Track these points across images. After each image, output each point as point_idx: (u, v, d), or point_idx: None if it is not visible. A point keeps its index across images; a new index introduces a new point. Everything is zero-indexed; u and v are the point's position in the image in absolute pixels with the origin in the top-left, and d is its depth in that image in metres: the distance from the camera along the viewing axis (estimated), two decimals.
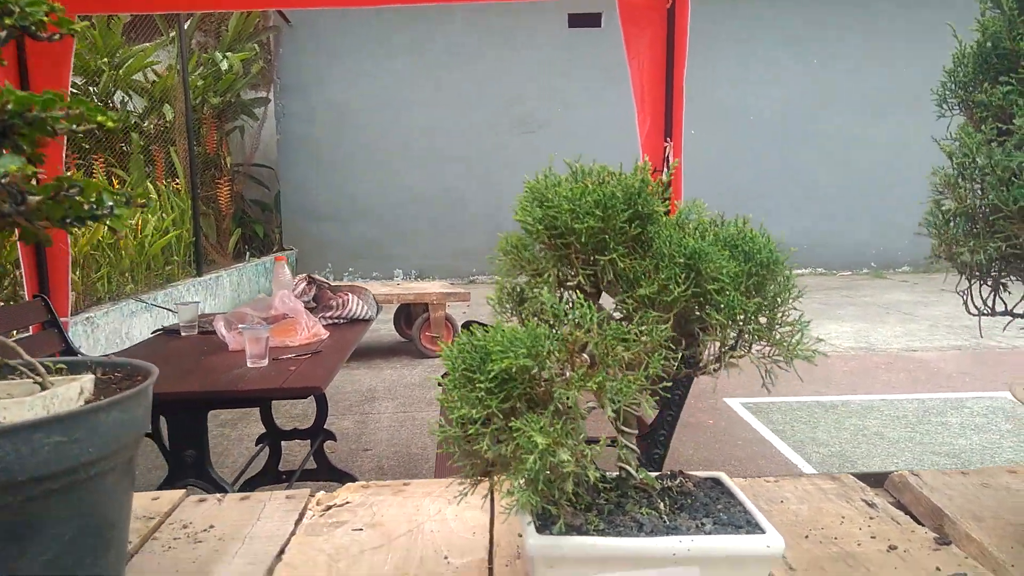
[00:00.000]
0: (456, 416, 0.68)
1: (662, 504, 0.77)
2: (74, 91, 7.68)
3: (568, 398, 0.64)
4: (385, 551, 0.91)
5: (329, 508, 1.04)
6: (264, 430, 3.26)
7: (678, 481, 0.81)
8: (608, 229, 0.70)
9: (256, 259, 9.90)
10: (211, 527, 1.00)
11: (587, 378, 0.65)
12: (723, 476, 0.85)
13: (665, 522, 0.74)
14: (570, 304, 0.69)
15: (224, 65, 9.65)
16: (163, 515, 1.03)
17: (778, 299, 0.73)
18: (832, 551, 0.89)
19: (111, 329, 5.65)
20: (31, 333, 3.40)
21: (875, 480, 1.10)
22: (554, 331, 0.67)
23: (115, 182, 7.41)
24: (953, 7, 6.24)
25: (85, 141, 7.62)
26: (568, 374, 0.65)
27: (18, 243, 3.95)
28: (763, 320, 0.73)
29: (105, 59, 7.93)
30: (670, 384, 0.79)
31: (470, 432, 0.66)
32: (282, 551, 0.92)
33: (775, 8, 10.41)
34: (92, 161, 7.48)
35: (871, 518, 0.98)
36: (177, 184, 8.39)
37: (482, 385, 0.65)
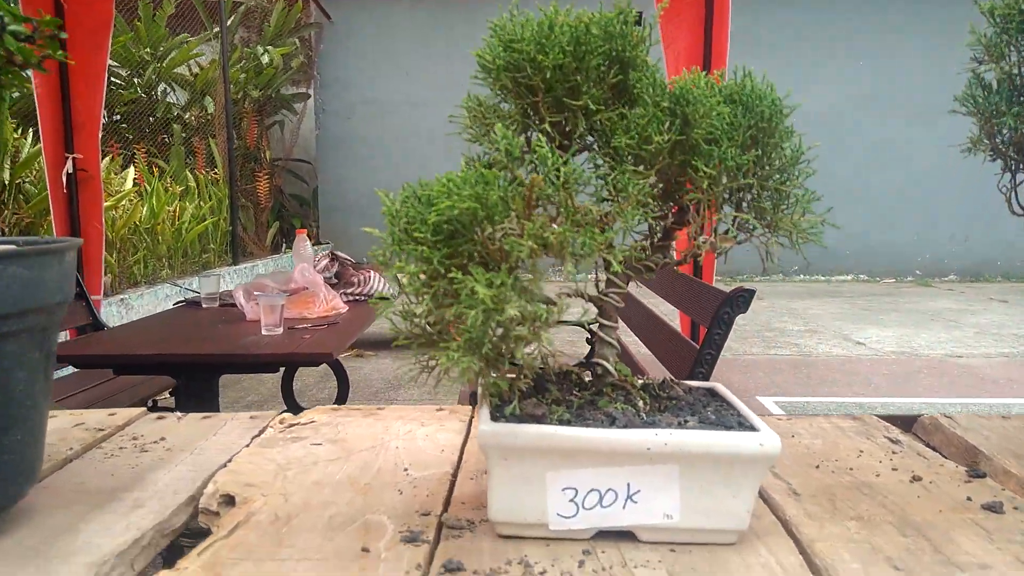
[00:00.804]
0: (392, 273, 0.59)
1: (641, 402, 0.67)
2: (118, 82, 7.84)
3: (521, 250, 0.54)
4: (341, 463, 0.82)
5: (292, 426, 0.96)
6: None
7: (664, 381, 0.70)
8: (581, 69, 0.60)
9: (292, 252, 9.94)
10: (161, 439, 0.92)
11: (544, 228, 0.55)
12: (719, 386, 0.74)
13: (642, 418, 0.64)
14: (527, 147, 0.59)
15: (265, 59, 9.76)
16: (115, 428, 0.96)
17: (779, 165, 0.62)
18: (845, 480, 0.78)
19: (145, 311, 5.70)
20: None
21: (902, 424, 0.97)
22: (507, 174, 0.57)
23: (155, 170, 7.51)
24: None
25: (129, 131, 7.76)
26: (524, 224, 0.56)
27: (54, 222, 4.00)
28: (760, 185, 0.62)
29: (149, 50, 8.07)
30: (650, 265, 0.69)
31: (408, 290, 0.57)
32: (230, 461, 0.84)
33: (820, 7, 10.17)
34: (134, 150, 7.61)
35: (894, 453, 0.86)
36: (216, 174, 8.49)
37: (422, 235, 0.56)
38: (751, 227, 0.66)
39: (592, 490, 0.62)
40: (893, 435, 0.92)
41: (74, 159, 3.93)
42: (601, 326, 0.70)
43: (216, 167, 8.59)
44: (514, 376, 0.62)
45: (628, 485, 0.62)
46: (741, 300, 2.42)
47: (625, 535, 0.64)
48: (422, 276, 0.56)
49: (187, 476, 0.80)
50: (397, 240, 0.57)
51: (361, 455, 0.85)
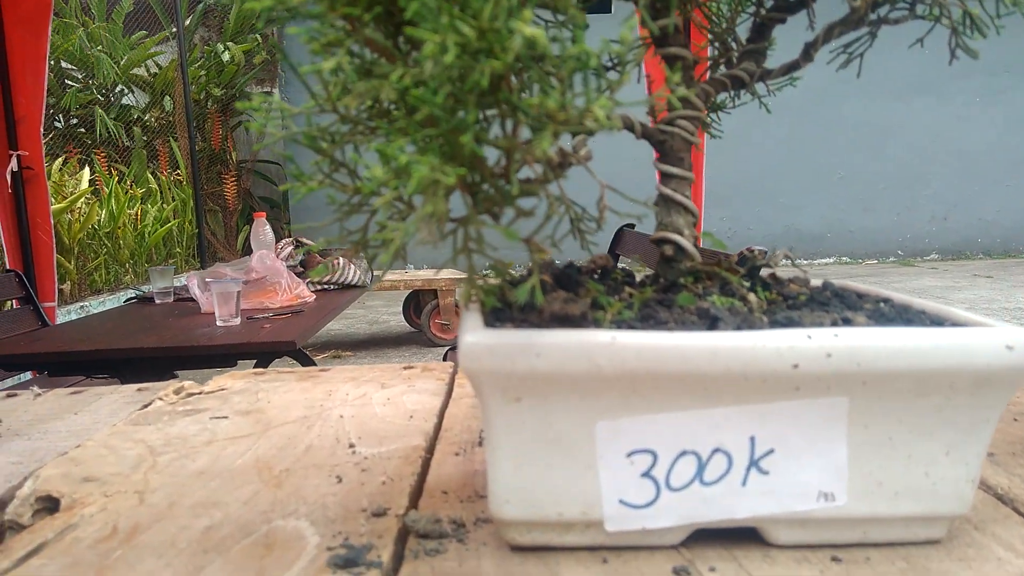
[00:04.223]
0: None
1: (752, 296, 0.38)
2: (74, 84, 7.41)
3: None
4: (250, 441, 0.52)
5: (192, 396, 0.65)
6: None
7: (783, 260, 0.41)
8: None
9: None
10: None
11: None
12: (852, 283, 0.45)
13: (764, 319, 0.35)
14: None
15: (226, 56, 9.36)
16: None
17: None
18: None
19: None
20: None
21: None
22: None
23: (114, 173, 7.12)
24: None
25: (87, 136, 7.34)
26: None
27: (0, 225, 3.65)
28: None
29: (102, 48, 7.65)
30: (740, 76, 0.41)
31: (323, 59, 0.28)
32: (79, 447, 0.53)
33: None
34: (93, 155, 7.20)
35: None
36: (179, 175, 8.09)
37: None
38: None
39: (684, 453, 0.33)
40: None
41: (19, 156, 3.57)
42: (665, 176, 0.41)
43: (180, 169, 8.19)
44: (533, 247, 0.32)
45: (751, 440, 0.33)
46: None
47: (746, 535, 0.35)
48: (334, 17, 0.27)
49: (5, 471, 0.49)
50: None
51: (283, 430, 0.55)
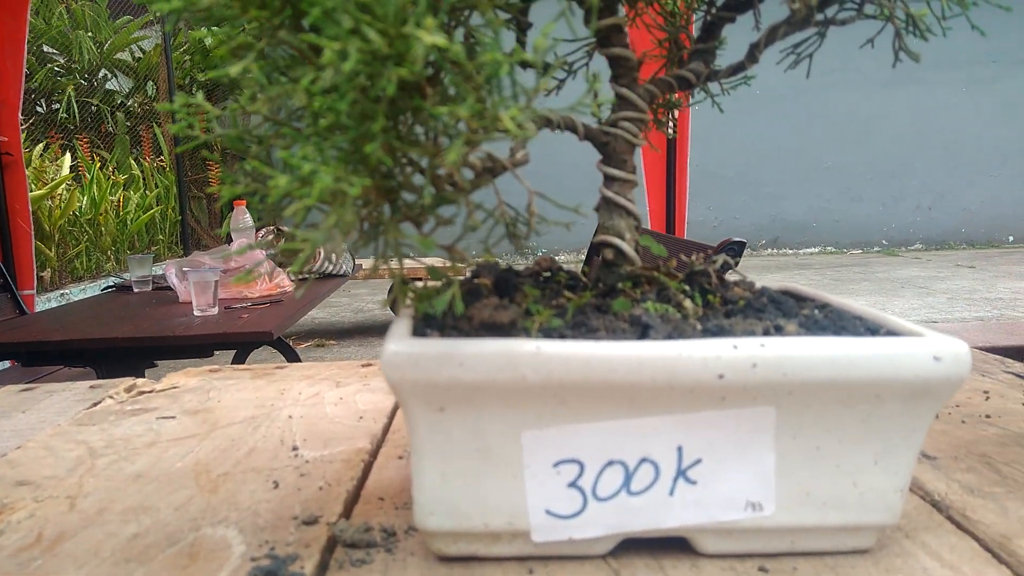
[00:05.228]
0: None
1: (688, 302, 0.37)
2: (57, 69, 7.29)
3: None
4: (193, 442, 0.51)
5: (142, 394, 0.64)
6: None
7: (720, 264, 0.41)
8: None
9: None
10: None
11: None
12: (801, 287, 0.45)
13: (696, 326, 0.34)
14: None
15: (210, 41, 9.24)
16: None
17: None
18: (990, 433, 0.49)
19: None
20: None
21: (1015, 355, 0.70)
22: None
23: (96, 159, 7.03)
24: None
25: (70, 122, 7.24)
26: None
27: None
28: None
29: (89, 33, 7.53)
30: (686, 77, 0.40)
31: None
32: (20, 448, 0.52)
33: None
34: (75, 141, 7.10)
35: None
36: (162, 161, 8.00)
37: None
38: None
39: (611, 463, 0.33)
40: (1017, 370, 0.64)
41: None
42: (607, 179, 0.40)
43: (163, 155, 8.10)
44: (452, 254, 0.32)
45: (679, 450, 0.33)
46: (732, 253, 2.15)
47: (674, 544, 0.35)
48: (226, 9, 0.26)
49: None
50: None
51: (229, 431, 0.54)
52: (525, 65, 0.36)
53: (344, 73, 0.23)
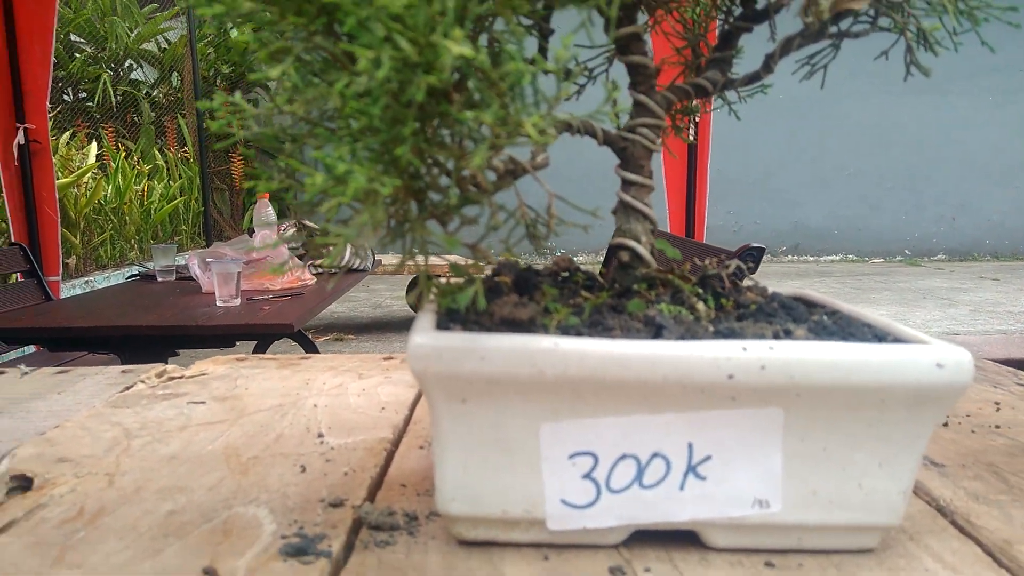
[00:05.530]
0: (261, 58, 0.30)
1: (701, 304, 0.38)
2: (86, 57, 7.40)
3: None
4: (223, 427, 0.54)
5: (173, 380, 0.67)
6: None
7: (733, 269, 0.42)
8: None
9: None
10: None
11: None
12: (813, 292, 0.46)
13: (708, 328, 0.36)
14: None
15: (235, 33, 9.34)
16: None
17: None
18: (999, 443, 0.50)
19: None
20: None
21: None
22: None
23: (121, 148, 7.13)
24: None
25: (96, 111, 7.35)
26: None
27: (6, 198, 3.66)
28: None
29: (117, 20, 7.63)
30: (703, 85, 0.41)
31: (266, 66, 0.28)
32: (57, 427, 0.55)
33: None
34: (101, 130, 7.21)
35: None
36: (186, 152, 8.10)
37: None
38: None
39: (624, 457, 0.34)
40: None
41: (26, 129, 3.58)
42: (625, 183, 0.42)
43: (187, 146, 8.20)
44: (476, 253, 0.33)
45: (689, 447, 0.34)
46: (750, 258, 2.15)
47: (684, 538, 0.36)
48: (265, 12, 0.28)
49: None
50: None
51: (257, 417, 0.56)
52: (547, 72, 0.37)
53: (378, 80, 0.24)
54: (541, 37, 0.43)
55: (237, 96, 0.34)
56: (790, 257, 10.92)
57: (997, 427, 0.54)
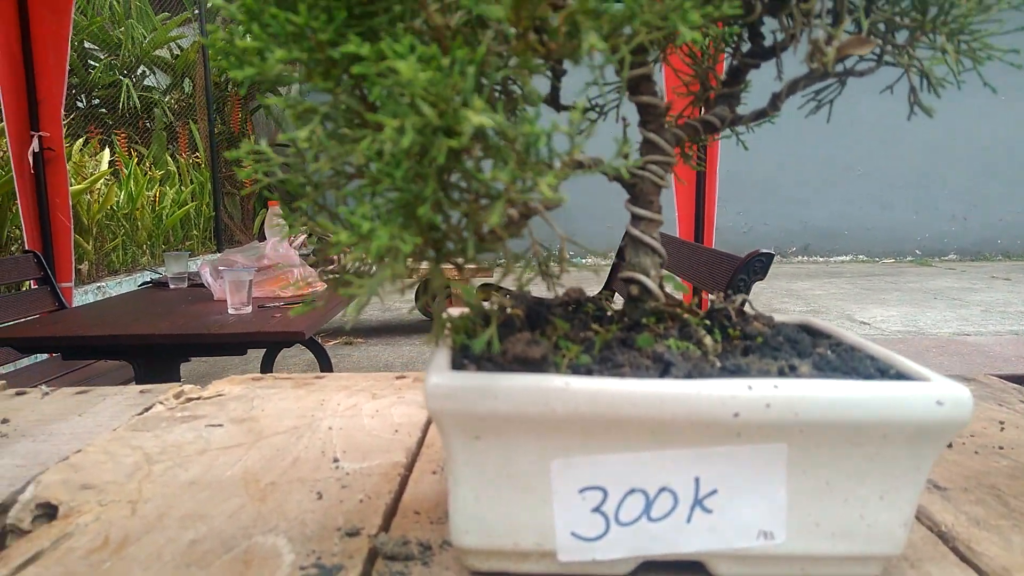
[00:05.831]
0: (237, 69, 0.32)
1: (709, 338, 0.40)
2: (95, 63, 7.47)
3: (491, 10, 0.27)
4: (241, 451, 0.55)
5: (190, 401, 0.68)
6: None
7: (740, 303, 0.43)
8: None
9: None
10: (4, 421, 0.64)
11: None
12: (816, 320, 0.47)
13: (715, 363, 0.37)
14: None
15: (247, 39, 9.37)
16: None
17: None
18: (1003, 465, 0.51)
19: None
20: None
21: None
22: None
23: (133, 154, 7.19)
24: None
25: (109, 117, 7.41)
26: None
27: (20, 206, 3.71)
28: None
29: (132, 25, 7.69)
30: (712, 121, 0.42)
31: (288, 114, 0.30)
32: (80, 452, 0.56)
33: None
34: (114, 136, 7.27)
35: None
36: (197, 157, 8.16)
37: None
38: (894, 25, 0.39)
39: (633, 491, 0.35)
40: None
41: (40, 137, 3.62)
42: (634, 218, 0.43)
43: (198, 151, 8.26)
44: (490, 289, 0.35)
45: (696, 481, 0.35)
46: (759, 265, 2.15)
47: (690, 568, 0.37)
48: (293, 73, 0.29)
49: (10, 474, 0.52)
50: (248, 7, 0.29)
51: (273, 440, 0.57)
52: (560, 110, 0.38)
53: (402, 147, 0.26)
54: (554, 77, 0.44)
55: (263, 144, 0.35)
56: (800, 258, 10.88)
57: (1000, 448, 0.54)
